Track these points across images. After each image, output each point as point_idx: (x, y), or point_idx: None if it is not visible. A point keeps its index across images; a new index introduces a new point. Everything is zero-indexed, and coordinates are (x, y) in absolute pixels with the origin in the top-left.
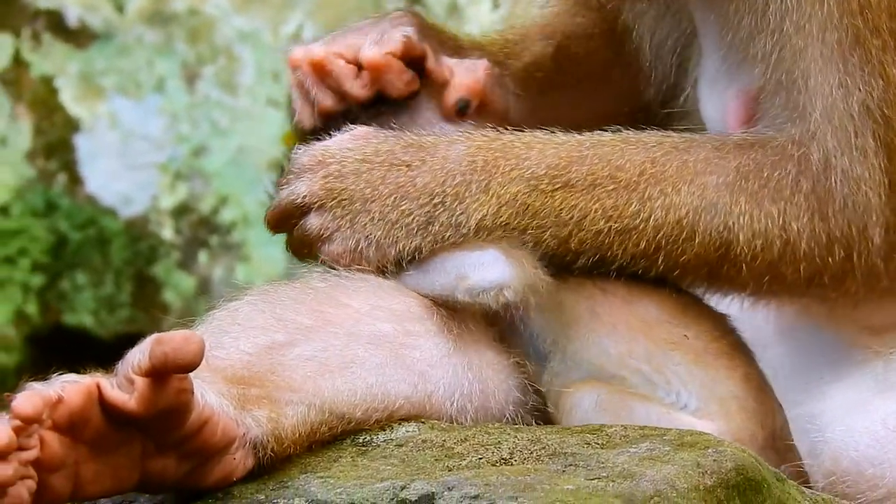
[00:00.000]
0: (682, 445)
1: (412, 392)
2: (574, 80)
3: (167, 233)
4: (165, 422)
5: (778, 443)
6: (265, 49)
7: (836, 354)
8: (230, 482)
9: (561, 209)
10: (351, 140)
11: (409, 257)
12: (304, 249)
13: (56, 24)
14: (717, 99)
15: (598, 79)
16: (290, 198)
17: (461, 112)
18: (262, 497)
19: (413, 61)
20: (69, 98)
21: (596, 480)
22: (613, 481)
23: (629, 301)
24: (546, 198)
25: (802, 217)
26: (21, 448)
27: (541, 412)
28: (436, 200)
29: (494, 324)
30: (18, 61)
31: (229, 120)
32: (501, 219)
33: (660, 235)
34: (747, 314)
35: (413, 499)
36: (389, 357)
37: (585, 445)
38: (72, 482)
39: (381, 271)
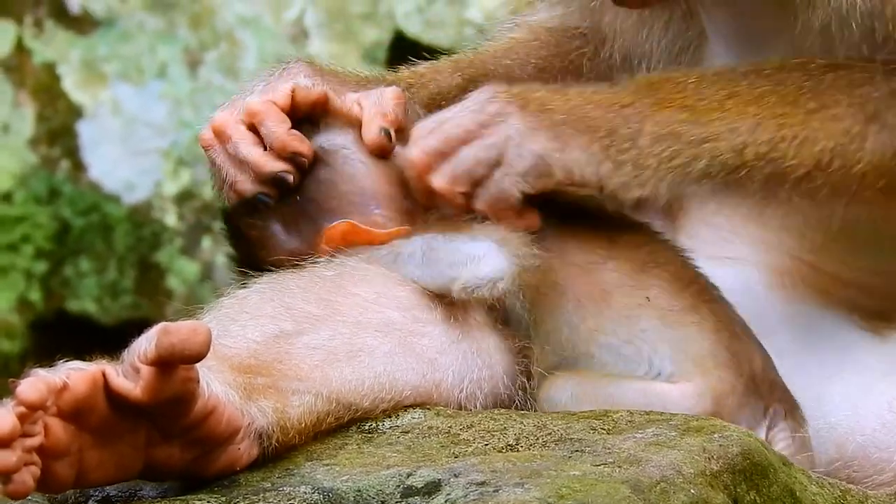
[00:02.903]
0: (689, 430)
1: (420, 380)
2: None
3: (170, 219)
4: (170, 410)
5: (760, 385)
6: (267, 34)
7: (842, 338)
8: (234, 471)
9: (733, 115)
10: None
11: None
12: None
13: (58, 10)
14: None
15: None
16: (479, 116)
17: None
18: (268, 485)
19: (314, 108)
20: (71, 85)
21: (602, 466)
22: (620, 467)
23: (587, 270)
24: (716, 105)
25: None
26: (25, 435)
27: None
28: (613, 112)
29: (496, 308)
30: (21, 48)
31: None
32: (673, 126)
33: (832, 144)
34: (753, 298)
35: (419, 485)
36: (398, 345)
37: (591, 431)
38: (75, 469)
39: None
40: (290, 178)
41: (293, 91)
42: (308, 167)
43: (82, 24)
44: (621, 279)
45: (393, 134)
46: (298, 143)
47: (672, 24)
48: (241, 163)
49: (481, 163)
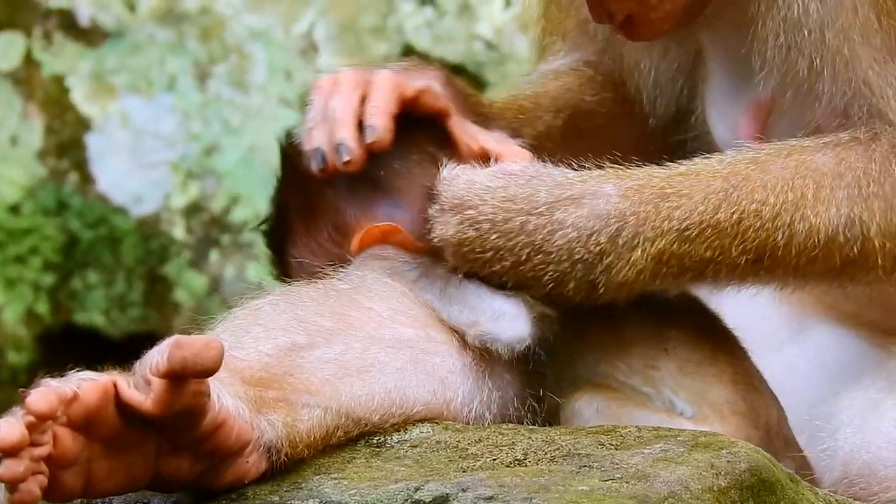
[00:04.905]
0: (696, 446)
1: (431, 398)
2: (576, 150)
3: (178, 232)
4: (180, 423)
5: (775, 439)
6: (277, 47)
7: (850, 355)
8: (242, 484)
9: (704, 250)
10: (493, 178)
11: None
12: None
13: (67, 22)
14: (728, 115)
15: (601, 144)
16: (432, 234)
17: None
18: (277, 498)
19: (433, 117)
20: (80, 97)
21: (610, 482)
22: (627, 482)
23: (607, 320)
24: (691, 244)
25: None
26: (34, 444)
27: (555, 420)
28: (575, 258)
29: None
30: (30, 60)
31: (241, 118)
32: (644, 275)
33: (799, 259)
34: (760, 314)
35: (427, 500)
36: (410, 362)
37: (599, 446)
38: (84, 479)
39: None
40: (347, 157)
41: (423, 90)
42: (388, 161)
43: (91, 36)
44: (641, 330)
45: None
46: (383, 124)
47: (669, 50)
48: (328, 118)
49: None
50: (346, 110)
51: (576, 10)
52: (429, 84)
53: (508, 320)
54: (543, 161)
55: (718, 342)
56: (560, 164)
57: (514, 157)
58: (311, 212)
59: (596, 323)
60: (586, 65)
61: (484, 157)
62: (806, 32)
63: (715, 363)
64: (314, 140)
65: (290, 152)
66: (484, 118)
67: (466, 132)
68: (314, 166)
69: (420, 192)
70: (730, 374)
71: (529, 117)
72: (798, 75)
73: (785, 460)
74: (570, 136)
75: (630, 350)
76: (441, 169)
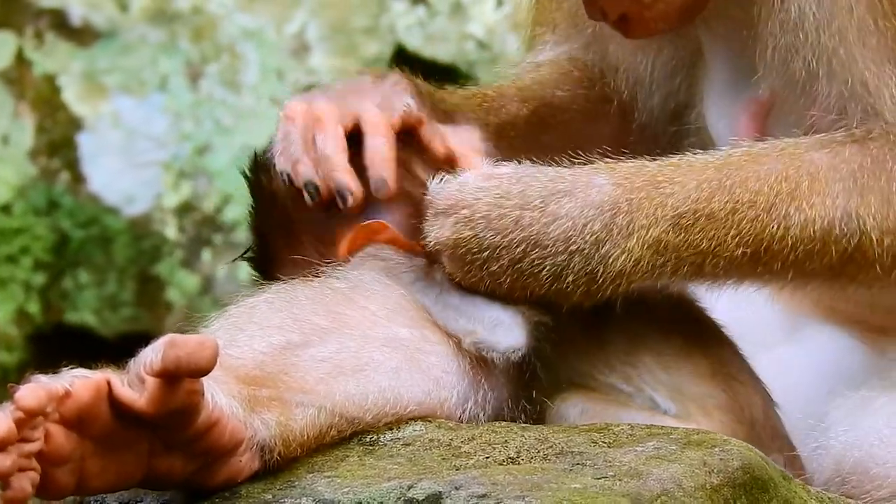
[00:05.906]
0: (689, 444)
1: (425, 398)
2: (545, 141)
3: (170, 231)
4: (174, 422)
5: (762, 433)
6: (269, 47)
7: (842, 353)
8: (235, 483)
9: (700, 240)
10: (484, 179)
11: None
12: None
13: (59, 22)
14: (727, 112)
15: (575, 137)
16: (428, 239)
17: None
18: (270, 496)
19: (408, 130)
20: (72, 96)
21: (603, 479)
22: (620, 480)
23: (583, 313)
24: (686, 233)
25: None
26: (24, 440)
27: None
28: (572, 248)
29: None
30: (21, 60)
31: (233, 118)
32: (641, 264)
33: (795, 253)
34: (753, 314)
35: (420, 498)
36: (404, 361)
37: (592, 444)
38: (76, 476)
39: None
40: (350, 200)
41: (405, 112)
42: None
43: (83, 35)
44: (617, 325)
45: None
46: (391, 176)
47: (666, 45)
48: (318, 156)
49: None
50: (336, 151)
51: (567, 0)
52: (407, 104)
53: (505, 329)
54: (512, 159)
55: (693, 332)
56: (526, 156)
57: (470, 142)
58: (293, 230)
59: (574, 320)
60: (569, 60)
61: (452, 161)
62: (803, 34)
63: (692, 354)
64: (303, 174)
65: (261, 176)
66: (448, 114)
67: (436, 137)
68: (307, 199)
69: (401, 195)
70: (707, 365)
71: (493, 106)
72: (794, 76)
73: (774, 455)
74: (536, 127)
75: (606, 347)
76: (424, 176)
